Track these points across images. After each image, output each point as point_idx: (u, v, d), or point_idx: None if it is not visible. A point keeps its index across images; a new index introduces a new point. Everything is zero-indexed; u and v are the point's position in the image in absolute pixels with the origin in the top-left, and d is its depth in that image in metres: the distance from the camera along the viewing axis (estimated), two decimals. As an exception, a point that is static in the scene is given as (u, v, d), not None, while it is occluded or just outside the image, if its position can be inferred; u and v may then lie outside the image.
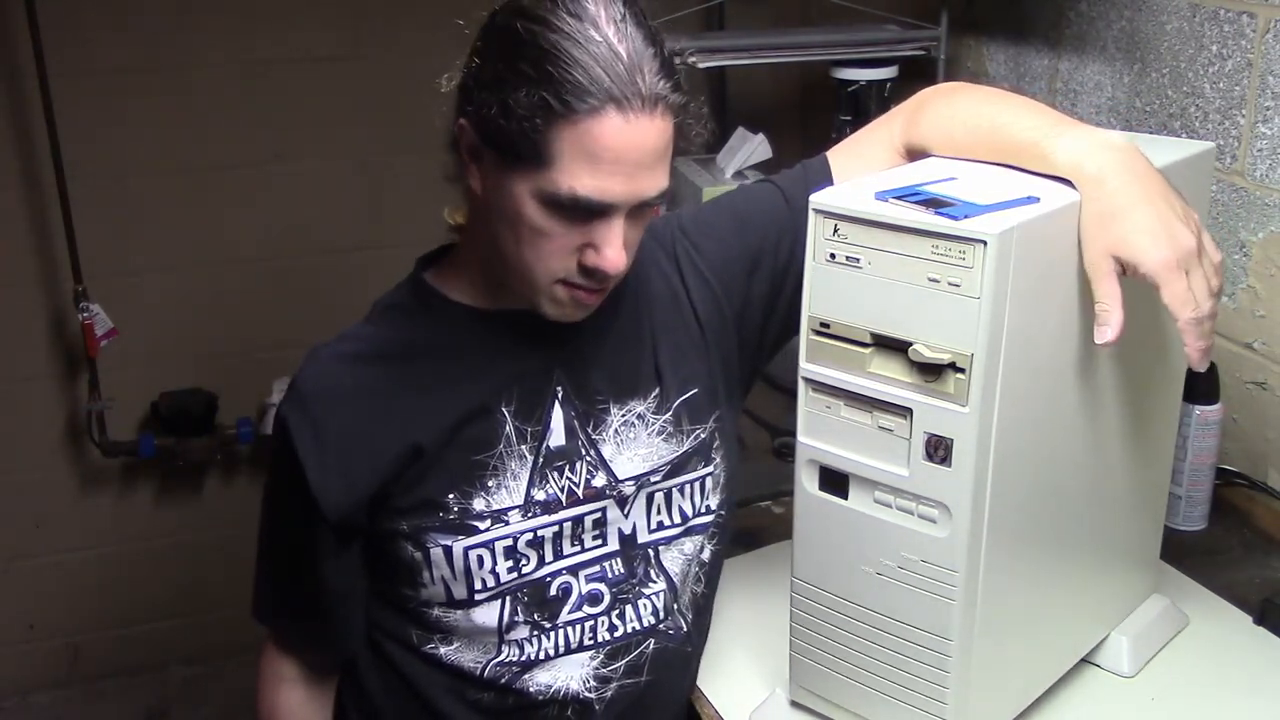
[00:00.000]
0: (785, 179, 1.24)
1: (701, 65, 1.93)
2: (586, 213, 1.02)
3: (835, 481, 1.02)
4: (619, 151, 1.00)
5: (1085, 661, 1.20)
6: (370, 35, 2.34)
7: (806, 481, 1.04)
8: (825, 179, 1.20)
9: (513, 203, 1.04)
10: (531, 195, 1.03)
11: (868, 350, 0.97)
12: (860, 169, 1.17)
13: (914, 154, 1.16)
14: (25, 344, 2.37)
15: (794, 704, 1.14)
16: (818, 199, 0.99)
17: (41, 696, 2.58)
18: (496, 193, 1.06)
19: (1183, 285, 0.94)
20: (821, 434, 1.02)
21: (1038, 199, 0.95)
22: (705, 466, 1.21)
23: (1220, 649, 1.25)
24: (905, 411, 0.96)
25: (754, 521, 1.54)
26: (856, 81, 2.05)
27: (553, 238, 1.04)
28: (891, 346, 0.96)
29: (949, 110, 1.12)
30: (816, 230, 0.98)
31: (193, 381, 2.44)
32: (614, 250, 1.04)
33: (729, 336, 1.22)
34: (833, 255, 0.97)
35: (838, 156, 1.23)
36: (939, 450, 0.94)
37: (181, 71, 2.30)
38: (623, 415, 1.17)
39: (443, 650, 1.18)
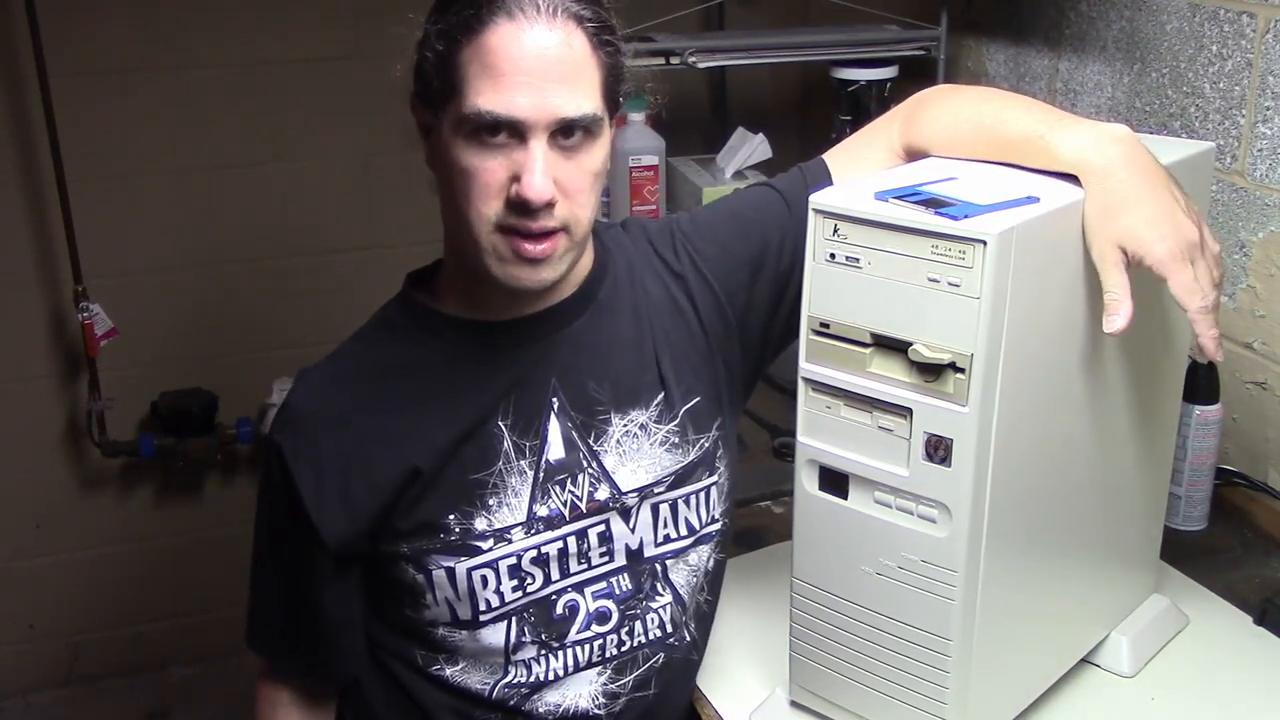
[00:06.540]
0: (783, 182, 1.23)
1: (701, 65, 1.93)
2: (494, 131, 1.01)
3: (835, 481, 1.02)
4: (516, 61, 1.00)
5: (1085, 661, 1.20)
6: (370, 35, 2.34)
7: (806, 481, 1.04)
8: (824, 181, 1.18)
9: (443, 150, 1.04)
10: (453, 131, 1.03)
11: (868, 350, 0.97)
12: (858, 171, 1.16)
13: (913, 155, 1.15)
14: (25, 344, 2.37)
15: (794, 704, 1.14)
16: (817, 199, 0.98)
17: (42, 696, 2.58)
18: (436, 151, 1.06)
19: (1189, 276, 0.95)
20: (821, 434, 1.02)
21: (1037, 199, 0.95)
22: (710, 476, 1.19)
23: (1220, 649, 1.25)
24: (905, 411, 0.96)
25: (754, 521, 1.53)
26: (856, 81, 2.05)
27: (478, 174, 1.02)
28: (891, 346, 0.96)
29: (951, 109, 1.12)
30: (816, 230, 0.98)
31: (193, 381, 2.44)
32: (534, 175, 1.00)
33: (732, 341, 1.20)
34: (833, 255, 0.97)
35: (835, 159, 1.22)
36: (939, 450, 0.94)
37: (181, 71, 2.30)
38: (624, 425, 1.15)
39: (448, 671, 1.16)
